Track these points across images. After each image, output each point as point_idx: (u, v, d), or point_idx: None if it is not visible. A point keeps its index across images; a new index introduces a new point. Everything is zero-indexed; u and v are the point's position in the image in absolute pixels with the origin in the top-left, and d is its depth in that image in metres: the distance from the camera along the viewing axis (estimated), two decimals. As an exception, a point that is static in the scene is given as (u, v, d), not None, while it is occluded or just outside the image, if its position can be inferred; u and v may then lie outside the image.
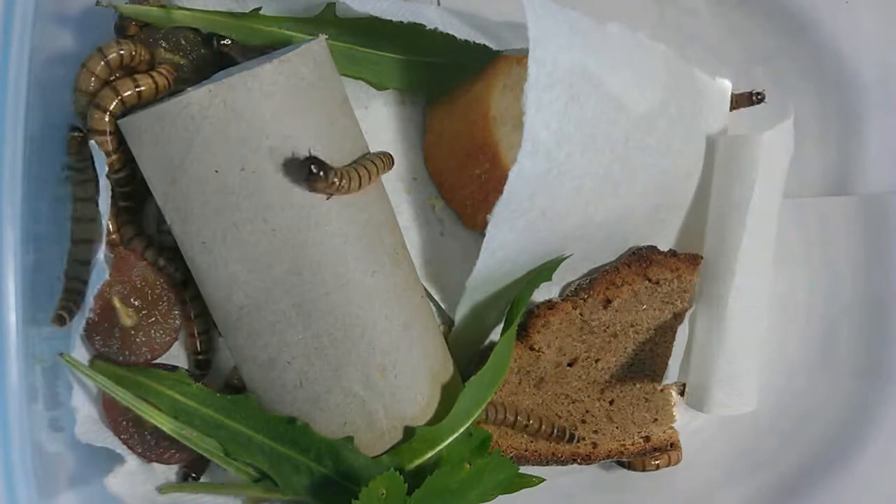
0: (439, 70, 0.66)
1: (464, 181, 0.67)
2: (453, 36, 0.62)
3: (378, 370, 0.59)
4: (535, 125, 0.55)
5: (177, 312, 0.62)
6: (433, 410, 0.63)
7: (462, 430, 0.62)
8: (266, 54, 0.61)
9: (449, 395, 0.63)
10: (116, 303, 0.59)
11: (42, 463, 0.53)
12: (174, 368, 0.61)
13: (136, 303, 0.60)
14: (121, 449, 0.60)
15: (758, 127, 0.73)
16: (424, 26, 0.61)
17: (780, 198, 0.69)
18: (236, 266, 0.56)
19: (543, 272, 0.65)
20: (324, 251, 0.56)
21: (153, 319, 0.61)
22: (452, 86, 0.67)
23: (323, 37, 0.59)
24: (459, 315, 0.66)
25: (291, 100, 0.55)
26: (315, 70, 0.57)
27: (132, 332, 0.60)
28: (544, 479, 0.67)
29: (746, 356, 0.70)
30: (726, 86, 0.72)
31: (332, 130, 0.57)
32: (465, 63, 0.66)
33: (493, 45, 0.61)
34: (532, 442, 0.69)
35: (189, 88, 0.55)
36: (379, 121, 0.68)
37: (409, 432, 0.61)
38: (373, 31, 0.63)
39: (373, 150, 0.66)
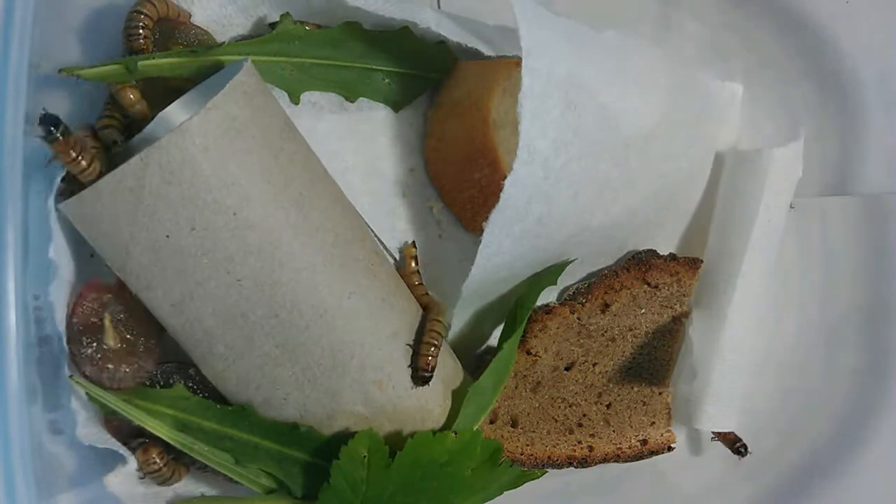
0: (405, 79, 0.66)
1: (464, 185, 0.67)
2: (419, 44, 0.61)
3: (375, 386, 0.59)
4: (531, 134, 0.55)
5: (154, 355, 0.60)
6: (446, 410, 0.63)
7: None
8: (202, 83, 0.60)
9: (459, 393, 0.63)
10: (107, 321, 0.58)
11: (42, 463, 0.53)
12: (171, 384, 0.60)
13: (125, 330, 0.59)
14: (122, 450, 0.60)
15: (760, 131, 0.73)
16: (403, 32, 0.61)
17: (785, 215, 0.69)
18: (210, 321, 0.55)
19: (547, 276, 0.65)
20: (294, 288, 0.55)
21: (132, 354, 0.59)
22: (419, 95, 0.67)
23: (247, 61, 0.57)
24: (456, 320, 0.66)
25: (227, 146, 0.53)
26: (246, 105, 0.54)
27: (115, 356, 0.59)
28: (546, 471, 0.67)
29: (741, 373, 0.70)
30: (736, 89, 0.72)
31: (277, 163, 0.55)
32: (432, 72, 0.66)
33: (486, 51, 0.61)
34: (528, 445, 0.69)
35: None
36: (378, 124, 0.68)
37: None
38: (338, 41, 0.62)
39: (369, 151, 0.66)
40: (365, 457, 0.56)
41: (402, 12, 0.60)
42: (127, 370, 0.59)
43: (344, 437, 0.58)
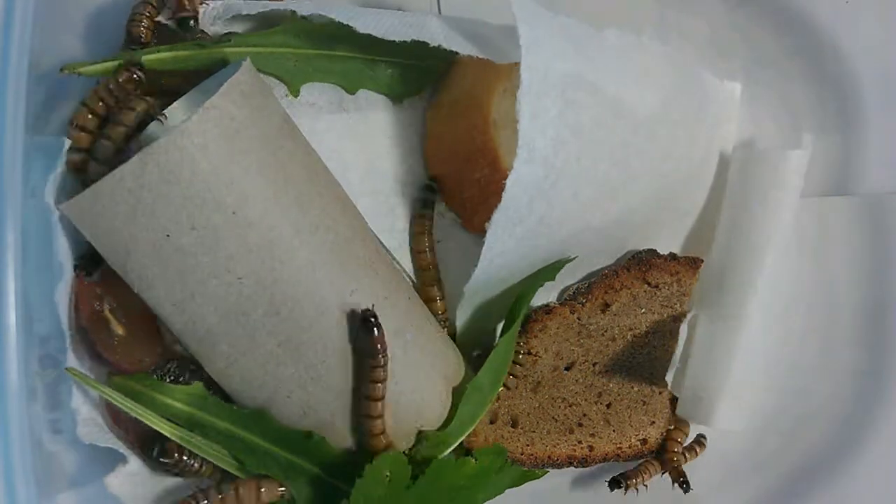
0: (408, 69, 0.66)
1: (464, 185, 0.67)
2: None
3: None
4: (530, 132, 0.55)
5: (154, 336, 0.61)
6: (447, 407, 0.63)
7: (468, 432, 0.63)
8: (200, 84, 0.60)
9: (461, 390, 0.63)
10: (107, 312, 0.59)
11: (42, 463, 0.53)
12: (189, 382, 0.60)
13: (122, 317, 0.60)
14: (123, 449, 0.60)
15: (761, 131, 0.73)
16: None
17: (794, 214, 0.69)
18: (212, 319, 0.55)
19: (545, 272, 0.65)
20: (295, 285, 0.55)
21: (137, 338, 0.61)
22: (422, 87, 0.67)
23: (246, 60, 0.57)
24: (458, 320, 0.66)
25: (226, 146, 0.53)
26: (245, 105, 0.54)
27: (125, 341, 0.60)
28: (547, 471, 0.68)
29: (756, 373, 0.70)
30: (734, 88, 0.72)
31: (276, 161, 0.55)
32: (434, 61, 0.66)
33: (494, 59, 0.61)
34: (529, 445, 0.69)
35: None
36: (377, 124, 0.68)
37: (419, 437, 0.61)
38: (342, 34, 0.62)
39: (369, 151, 0.66)
40: (387, 476, 0.57)
41: (411, 32, 0.60)
42: (139, 351, 0.60)
43: (355, 454, 0.59)
